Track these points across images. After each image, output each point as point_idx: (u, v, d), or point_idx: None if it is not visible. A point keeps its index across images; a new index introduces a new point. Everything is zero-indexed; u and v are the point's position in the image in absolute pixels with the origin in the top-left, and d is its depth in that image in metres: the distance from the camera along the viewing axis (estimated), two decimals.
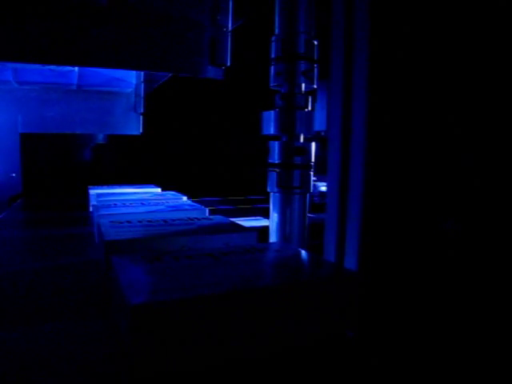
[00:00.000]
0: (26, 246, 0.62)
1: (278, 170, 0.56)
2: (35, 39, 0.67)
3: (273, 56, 0.56)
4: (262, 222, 0.91)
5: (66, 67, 1.05)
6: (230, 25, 0.80)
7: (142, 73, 1.15)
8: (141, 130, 1.21)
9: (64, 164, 1.14)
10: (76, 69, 1.08)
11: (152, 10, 0.74)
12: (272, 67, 0.57)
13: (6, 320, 0.33)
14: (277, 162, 0.56)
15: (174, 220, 0.51)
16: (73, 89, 1.12)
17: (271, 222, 0.58)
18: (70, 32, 0.68)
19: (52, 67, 1.04)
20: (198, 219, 0.53)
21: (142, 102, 1.18)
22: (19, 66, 1.03)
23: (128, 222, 0.50)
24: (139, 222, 0.50)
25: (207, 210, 0.63)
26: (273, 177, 0.56)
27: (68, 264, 0.49)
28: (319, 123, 0.61)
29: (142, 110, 1.19)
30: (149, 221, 0.50)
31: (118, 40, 0.72)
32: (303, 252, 0.37)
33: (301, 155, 0.55)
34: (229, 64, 0.81)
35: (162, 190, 0.90)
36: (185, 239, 0.43)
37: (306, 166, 0.56)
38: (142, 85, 1.18)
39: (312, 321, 0.30)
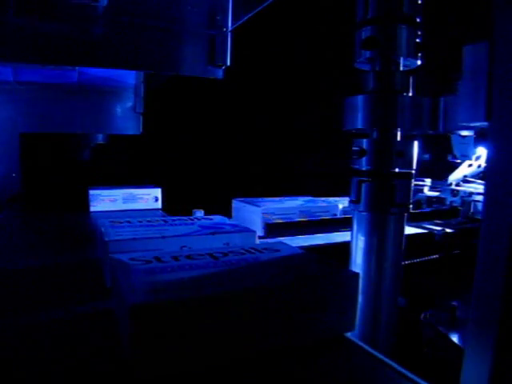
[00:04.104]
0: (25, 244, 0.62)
1: (367, 180, 0.41)
2: (35, 39, 0.67)
3: (360, 18, 0.41)
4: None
5: (66, 67, 1.05)
6: (229, 25, 0.80)
7: (142, 73, 1.14)
8: (141, 130, 1.21)
9: (64, 164, 1.14)
10: (76, 68, 1.08)
11: (152, 10, 0.74)
12: (357, 35, 0.41)
13: None
14: (365, 168, 0.41)
15: (174, 220, 0.51)
16: (73, 89, 1.12)
17: (354, 247, 0.47)
18: (70, 32, 0.68)
19: (52, 67, 1.04)
20: (198, 219, 0.52)
21: (142, 102, 1.18)
22: (19, 65, 1.03)
23: (128, 222, 0.50)
24: (139, 222, 0.50)
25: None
26: (360, 189, 0.42)
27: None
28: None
29: (141, 110, 1.19)
30: (149, 221, 0.50)
31: (118, 40, 0.72)
32: (303, 252, 0.37)
33: (402, 159, 0.40)
34: (229, 64, 0.80)
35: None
36: (185, 239, 0.43)
37: (407, 174, 0.41)
38: (142, 85, 1.17)
39: (313, 321, 0.29)
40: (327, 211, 0.83)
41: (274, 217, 0.77)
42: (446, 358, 0.52)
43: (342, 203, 0.86)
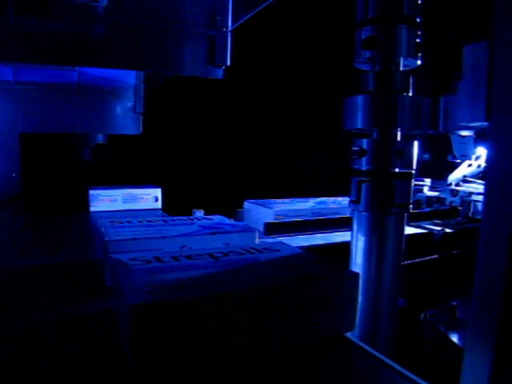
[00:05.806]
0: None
1: (367, 180, 0.41)
2: (35, 39, 0.67)
3: (360, 18, 0.41)
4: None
5: (66, 67, 1.05)
6: (229, 25, 0.80)
7: (142, 73, 1.14)
8: (141, 130, 1.21)
9: (64, 164, 1.14)
10: (76, 68, 1.08)
11: (152, 10, 0.74)
12: (357, 35, 0.41)
13: None
14: (365, 168, 0.41)
15: (173, 220, 0.51)
16: (73, 89, 1.12)
17: (354, 247, 0.46)
18: (70, 32, 0.68)
19: (52, 67, 1.04)
20: (198, 219, 0.52)
21: (142, 102, 1.18)
22: (19, 65, 1.03)
23: (128, 221, 0.50)
24: (139, 222, 0.50)
25: None
26: (360, 189, 0.42)
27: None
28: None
29: (141, 110, 1.19)
30: (149, 221, 0.50)
31: (118, 40, 0.72)
32: (303, 252, 0.37)
33: (402, 159, 0.40)
34: (229, 64, 0.80)
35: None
36: (185, 239, 0.43)
37: (407, 174, 0.41)
38: (142, 85, 1.17)
39: (312, 321, 0.29)
40: (337, 213, 0.83)
41: (287, 219, 0.77)
42: (446, 357, 0.52)
43: None
